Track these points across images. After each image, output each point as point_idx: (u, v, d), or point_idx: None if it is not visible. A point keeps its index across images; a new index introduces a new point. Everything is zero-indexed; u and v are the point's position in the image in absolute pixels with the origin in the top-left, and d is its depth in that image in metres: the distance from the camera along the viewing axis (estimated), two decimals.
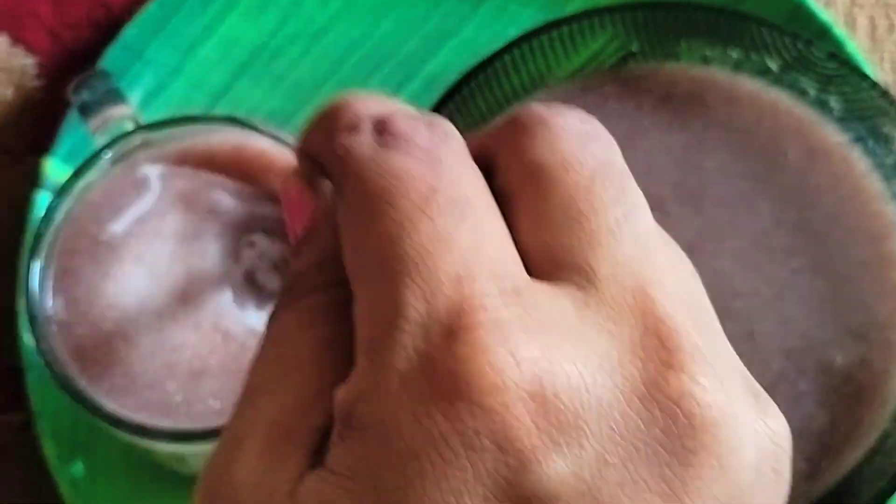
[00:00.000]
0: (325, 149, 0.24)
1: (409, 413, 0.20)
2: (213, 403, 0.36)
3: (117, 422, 0.34)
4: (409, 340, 0.20)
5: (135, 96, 0.47)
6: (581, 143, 0.24)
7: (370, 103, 0.24)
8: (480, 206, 0.22)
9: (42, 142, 0.48)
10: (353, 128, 0.23)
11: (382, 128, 0.23)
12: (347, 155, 0.23)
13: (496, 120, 0.24)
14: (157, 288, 0.37)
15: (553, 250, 0.22)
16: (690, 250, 0.44)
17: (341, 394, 0.21)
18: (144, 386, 0.36)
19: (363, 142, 0.23)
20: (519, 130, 0.23)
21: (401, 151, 0.22)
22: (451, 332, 0.20)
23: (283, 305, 0.23)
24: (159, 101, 0.48)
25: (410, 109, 0.24)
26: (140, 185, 0.38)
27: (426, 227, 0.21)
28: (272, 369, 0.22)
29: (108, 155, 0.38)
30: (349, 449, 0.20)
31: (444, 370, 0.20)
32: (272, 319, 0.23)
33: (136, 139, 0.38)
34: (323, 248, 0.24)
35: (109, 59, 0.48)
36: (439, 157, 0.22)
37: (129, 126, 0.39)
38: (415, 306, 0.21)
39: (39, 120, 0.49)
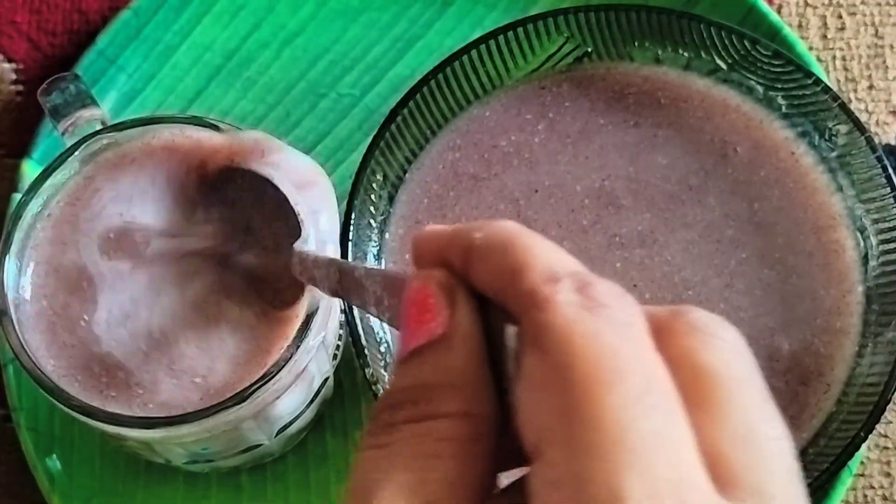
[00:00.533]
0: (510, 289, 0.23)
1: None
2: (177, 390, 0.37)
3: (87, 411, 0.35)
4: None
5: (109, 101, 0.48)
6: (748, 362, 0.24)
7: (557, 255, 0.23)
8: (678, 404, 0.22)
9: (21, 146, 0.48)
10: (555, 280, 0.23)
11: (584, 289, 0.22)
12: (551, 309, 0.22)
13: (660, 314, 0.24)
14: (127, 282, 0.38)
15: (731, 464, 0.22)
16: (643, 242, 0.45)
17: None
18: (118, 377, 0.37)
19: (567, 300, 0.22)
20: (692, 332, 0.23)
21: (608, 323, 0.22)
22: None
23: (403, 421, 0.22)
24: (134, 106, 0.48)
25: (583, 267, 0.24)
26: (113, 185, 0.39)
27: (647, 421, 0.21)
28: (398, 498, 0.22)
29: (76, 154, 0.39)
30: None
31: None
32: (386, 430, 0.23)
33: (104, 139, 0.39)
34: (454, 368, 0.23)
35: (84, 65, 0.48)
36: (641, 338, 0.22)
37: (98, 128, 0.40)
38: (638, 500, 0.20)
39: (18, 124, 0.49)
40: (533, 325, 0.22)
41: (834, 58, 0.52)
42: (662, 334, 0.23)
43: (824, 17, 0.52)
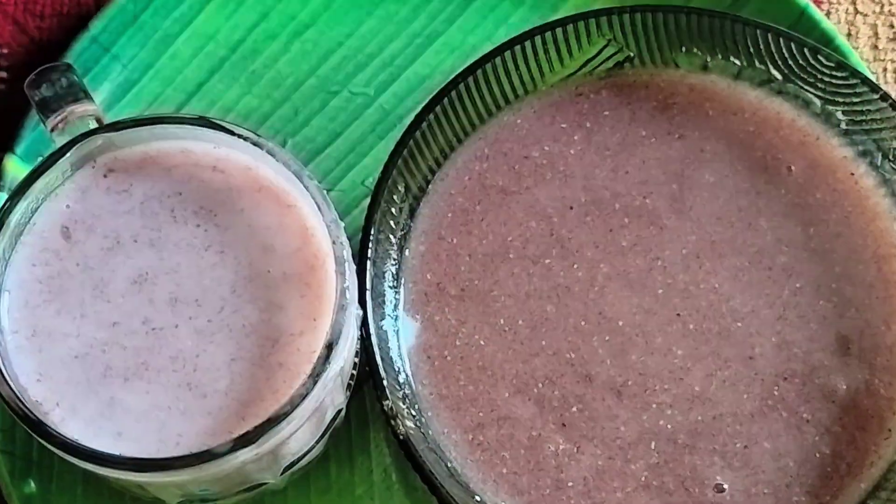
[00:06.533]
0: None
1: None
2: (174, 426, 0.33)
3: (69, 447, 0.32)
4: None
5: (102, 93, 0.45)
6: None
7: None
8: None
9: (4, 139, 0.46)
10: None
11: None
12: None
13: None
14: (124, 299, 0.35)
15: None
16: (688, 267, 0.42)
17: None
18: (109, 407, 0.34)
19: None
20: None
21: None
22: None
23: None
24: (129, 98, 0.46)
25: None
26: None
27: None
28: None
29: (67, 156, 0.35)
30: None
31: None
32: None
33: (98, 140, 0.35)
34: None
35: (76, 52, 0.45)
36: None
37: (92, 125, 0.36)
38: None
39: (2, 116, 0.46)
40: None
41: (885, 70, 0.49)
42: None
43: (875, 25, 0.49)
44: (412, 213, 0.42)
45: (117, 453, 0.32)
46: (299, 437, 0.36)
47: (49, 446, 0.32)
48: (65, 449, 0.32)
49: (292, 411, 0.32)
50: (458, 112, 0.42)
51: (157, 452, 0.33)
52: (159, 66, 0.46)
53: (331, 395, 0.36)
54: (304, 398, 0.32)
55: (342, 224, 0.35)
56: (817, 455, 0.40)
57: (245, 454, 0.32)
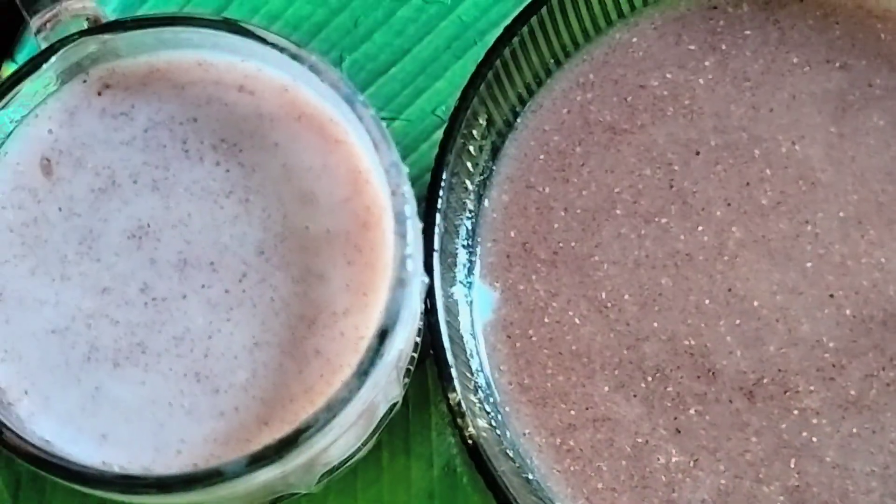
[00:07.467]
0: None
1: None
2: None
3: (38, 460, 0.27)
4: None
5: (111, 1, 0.41)
6: None
7: None
8: None
9: (6, 43, 0.42)
10: None
11: None
12: None
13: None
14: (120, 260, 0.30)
15: None
16: (846, 235, 0.36)
17: None
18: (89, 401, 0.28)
19: None
20: None
21: None
22: None
23: None
24: (151, 4, 0.42)
25: None
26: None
27: None
28: None
29: (52, 61, 0.30)
30: None
31: None
32: None
33: (91, 45, 0.30)
34: None
35: None
36: None
37: (85, 26, 0.32)
38: None
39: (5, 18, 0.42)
40: None
41: None
42: None
43: None
44: (495, 154, 0.38)
45: (100, 462, 0.27)
46: (341, 444, 0.30)
47: (7, 452, 0.27)
48: (29, 459, 0.26)
49: (332, 419, 0.26)
50: (557, 26, 0.37)
51: (152, 462, 0.28)
52: None
53: (384, 391, 0.29)
54: (347, 402, 0.26)
55: (405, 169, 0.28)
56: None
57: (267, 473, 0.26)
